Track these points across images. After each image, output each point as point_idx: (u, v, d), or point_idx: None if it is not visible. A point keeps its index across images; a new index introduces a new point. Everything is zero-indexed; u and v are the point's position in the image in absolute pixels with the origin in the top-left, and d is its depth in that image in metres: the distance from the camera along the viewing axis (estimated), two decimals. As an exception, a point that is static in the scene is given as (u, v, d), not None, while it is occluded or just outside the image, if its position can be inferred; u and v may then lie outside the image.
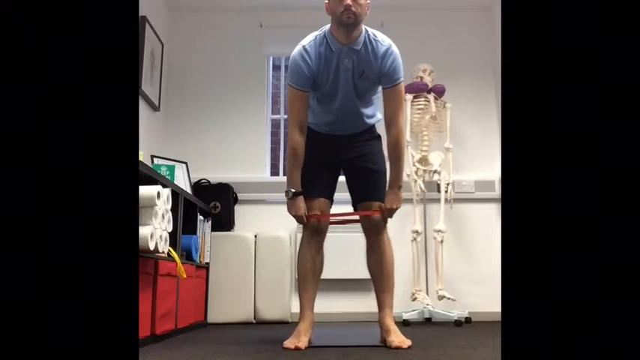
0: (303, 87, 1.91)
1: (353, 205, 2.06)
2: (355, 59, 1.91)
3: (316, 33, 1.96)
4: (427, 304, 3.07)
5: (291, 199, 1.96)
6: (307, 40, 1.94)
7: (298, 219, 1.98)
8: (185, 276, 2.34)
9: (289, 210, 1.98)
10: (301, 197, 1.96)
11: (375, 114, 2.09)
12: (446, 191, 3.30)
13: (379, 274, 1.98)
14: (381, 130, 2.08)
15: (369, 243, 2.02)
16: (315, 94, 1.99)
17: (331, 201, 2.06)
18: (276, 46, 3.87)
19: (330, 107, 1.98)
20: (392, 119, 1.95)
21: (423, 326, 2.90)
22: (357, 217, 2.02)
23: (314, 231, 1.99)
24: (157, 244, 2.03)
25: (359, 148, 2.03)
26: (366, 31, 1.94)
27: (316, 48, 1.92)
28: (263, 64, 3.85)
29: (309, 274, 1.98)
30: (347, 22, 1.85)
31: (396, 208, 1.97)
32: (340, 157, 2.03)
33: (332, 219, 2.06)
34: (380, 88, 2.00)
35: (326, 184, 2.03)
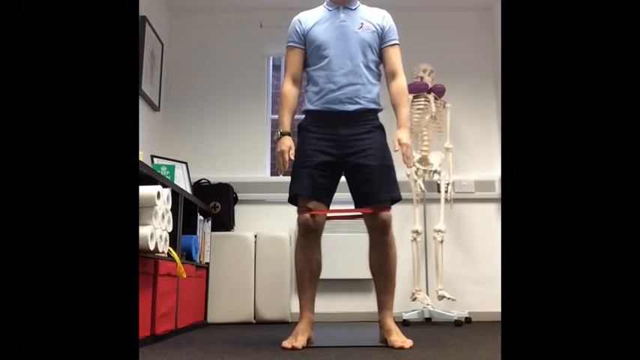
0: (295, 42, 2.06)
1: (356, 207, 1.99)
2: (353, 14, 2.04)
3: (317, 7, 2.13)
4: (427, 304, 3.07)
5: (278, 140, 1.99)
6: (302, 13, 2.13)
7: (280, 157, 1.97)
8: (185, 276, 2.35)
9: (276, 150, 1.99)
10: (289, 137, 1.99)
11: (378, 97, 2.01)
12: (446, 191, 3.30)
13: (382, 276, 1.95)
14: (384, 121, 2.04)
15: (373, 242, 1.96)
16: (315, 55, 2.01)
17: (328, 206, 1.98)
18: (276, 46, 3.87)
19: (332, 64, 1.97)
20: (394, 70, 2.04)
21: (423, 326, 2.90)
22: (355, 211, 1.98)
23: (306, 229, 1.92)
24: (156, 244, 2.03)
25: (359, 142, 1.92)
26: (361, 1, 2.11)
27: (311, 13, 2.10)
28: (263, 64, 3.85)
29: (305, 274, 1.95)
30: None
31: (410, 145, 1.97)
32: (339, 154, 1.93)
33: (329, 214, 1.97)
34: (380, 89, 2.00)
35: (322, 186, 1.93)
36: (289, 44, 2.08)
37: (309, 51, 2.05)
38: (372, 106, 1.98)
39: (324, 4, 2.10)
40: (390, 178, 1.94)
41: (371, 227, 1.94)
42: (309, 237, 1.94)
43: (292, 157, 1.97)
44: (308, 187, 1.92)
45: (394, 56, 2.05)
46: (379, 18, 2.06)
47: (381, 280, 1.96)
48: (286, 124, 2.01)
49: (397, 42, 2.07)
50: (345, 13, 2.03)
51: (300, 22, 2.08)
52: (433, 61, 3.54)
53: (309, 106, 2.00)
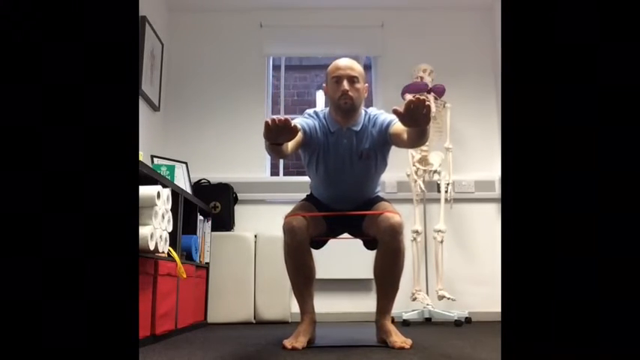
0: (300, 125, 1.87)
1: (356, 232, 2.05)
2: (355, 140, 1.92)
3: (317, 112, 2.00)
4: (427, 304, 3.07)
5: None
6: (310, 112, 1.99)
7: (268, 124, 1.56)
8: (185, 276, 2.35)
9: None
10: None
11: (378, 186, 2.08)
12: (446, 191, 3.30)
13: (385, 282, 1.91)
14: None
15: (381, 247, 1.87)
16: (314, 169, 1.98)
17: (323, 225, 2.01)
18: (276, 46, 3.87)
19: (331, 188, 1.98)
20: (405, 128, 1.81)
21: (423, 326, 2.90)
22: (358, 214, 1.99)
23: (291, 234, 1.84)
24: (156, 244, 2.03)
25: (361, 209, 1.98)
26: (367, 112, 1.96)
27: (317, 121, 1.95)
28: (263, 64, 3.85)
29: (299, 282, 1.93)
30: (344, 107, 1.88)
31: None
32: (343, 219, 1.99)
33: (338, 237, 2.05)
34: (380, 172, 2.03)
35: (319, 221, 1.96)
36: (296, 122, 1.87)
37: (308, 159, 1.98)
38: (373, 195, 2.05)
39: (325, 115, 1.97)
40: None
41: (381, 229, 1.84)
42: (294, 244, 1.85)
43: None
44: (309, 205, 1.96)
45: (400, 124, 1.81)
46: (374, 125, 1.93)
47: (383, 286, 1.92)
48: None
49: (395, 119, 1.86)
50: (348, 138, 1.92)
51: (310, 115, 1.97)
52: (433, 61, 3.54)
53: (314, 194, 2.07)
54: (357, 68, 1.91)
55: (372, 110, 1.99)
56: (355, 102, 1.89)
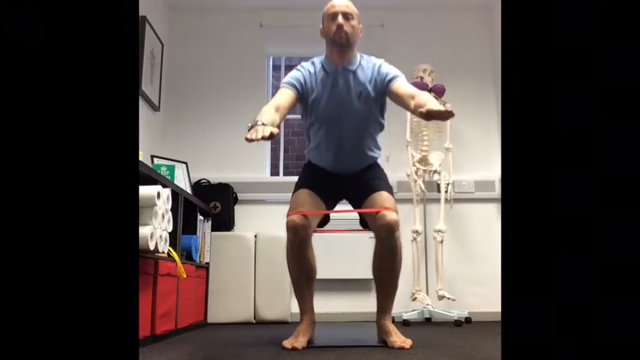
0: (290, 84, 1.94)
1: (357, 216, 2.03)
2: (352, 79, 1.94)
3: (314, 59, 2.03)
4: (427, 304, 3.07)
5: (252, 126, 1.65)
6: (304, 63, 2.03)
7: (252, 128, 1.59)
8: (185, 276, 2.35)
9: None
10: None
11: (378, 149, 2.06)
12: (446, 191, 3.30)
13: (384, 280, 1.92)
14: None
15: (378, 246, 1.89)
16: (313, 121, 1.98)
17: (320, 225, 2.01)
18: (276, 46, 3.88)
19: (331, 135, 1.97)
20: (411, 94, 1.85)
21: (423, 326, 2.90)
22: (354, 223, 2.01)
23: (294, 232, 1.84)
24: (157, 244, 2.03)
25: (360, 176, 2.00)
26: (362, 56, 2.01)
27: (312, 67, 2.00)
28: (263, 64, 3.85)
29: (300, 281, 1.93)
30: (339, 41, 1.92)
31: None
32: (341, 188, 2.01)
33: (336, 229, 2.06)
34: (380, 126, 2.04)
35: (319, 204, 1.96)
36: (285, 85, 1.94)
37: (307, 111, 2.00)
38: (372, 161, 2.05)
39: (322, 60, 2.00)
40: (389, 187, 1.98)
41: (377, 227, 1.84)
42: (297, 241, 1.85)
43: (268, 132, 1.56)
44: (304, 203, 1.92)
45: (404, 86, 1.91)
46: (374, 70, 1.96)
47: (382, 285, 1.93)
48: (268, 120, 1.71)
49: (400, 75, 1.95)
50: (344, 78, 1.94)
51: (299, 70, 1.99)
52: (433, 61, 3.55)
53: (311, 160, 2.06)
54: (352, 7, 1.97)
55: (371, 57, 2.03)
56: (350, 38, 1.93)
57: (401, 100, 1.89)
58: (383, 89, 1.95)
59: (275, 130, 1.55)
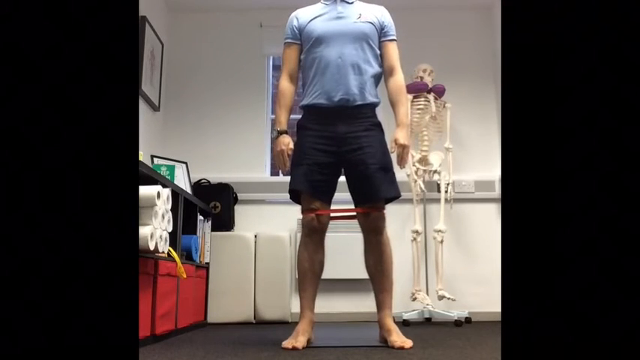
0: (292, 38, 2.07)
1: (355, 206, 2.02)
2: (349, 7, 2.05)
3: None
4: (427, 304, 3.07)
5: (276, 139, 2.00)
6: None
7: (279, 155, 1.98)
8: (185, 276, 2.35)
9: (274, 149, 2.00)
10: (286, 135, 2.00)
11: (377, 96, 2.01)
12: (446, 191, 3.30)
13: (378, 275, 1.98)
14: (381, 117, 2.05)
15: (367, 243, 1.98)
16: (313, 49, 2.00)
17: (329, 204, 2.01)
18: (276, 46, 3.86)
19: (328, 53, 1.96)
20: (392, 67, 2.04)
21: (423, 326, 2.90)
22: (348, 211, 2.00)
23: (310, 229, 1.96)
24: (157, 244, 2.03)
25: (358, 139, 1.92)
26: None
27: (308, 9, 2.10)
28: (263, 64, 3.85)
29: (307, 273, 1.97)
30: None
31: (408, 145, 1.96)
32: (338, 152, 1.93)
33: (331, 214, 2.01)
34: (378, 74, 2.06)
35: (321, 183, 1.95)
36: (286, 40, 2.09)
37: (306, 45, 2.03)
38: (370, 99, 1.97)
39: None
40: (387, 175, 1.93)
41: (365, 228, 1.97)
42: (313, 237, 1.97)
43: (291, 154, 1.99)
44: (307, 182, 1.93)
45: (392, 52, 2.06)
46: (378, 13, 2.07)
47: (377, 280, 1.99)
48: (283, 122, 2.02)
49: (395, 38, 2.09)
50: (343, 6, 2.05)
51: (297, 18, 2.09)
52: (433, 61, 3.55)
53: (307, 101, 2.00)
54: None
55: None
56: None
57: (382, 63, 2.06)
58: (379, 36, 2.05)
59: (290, 147, 1.98)
